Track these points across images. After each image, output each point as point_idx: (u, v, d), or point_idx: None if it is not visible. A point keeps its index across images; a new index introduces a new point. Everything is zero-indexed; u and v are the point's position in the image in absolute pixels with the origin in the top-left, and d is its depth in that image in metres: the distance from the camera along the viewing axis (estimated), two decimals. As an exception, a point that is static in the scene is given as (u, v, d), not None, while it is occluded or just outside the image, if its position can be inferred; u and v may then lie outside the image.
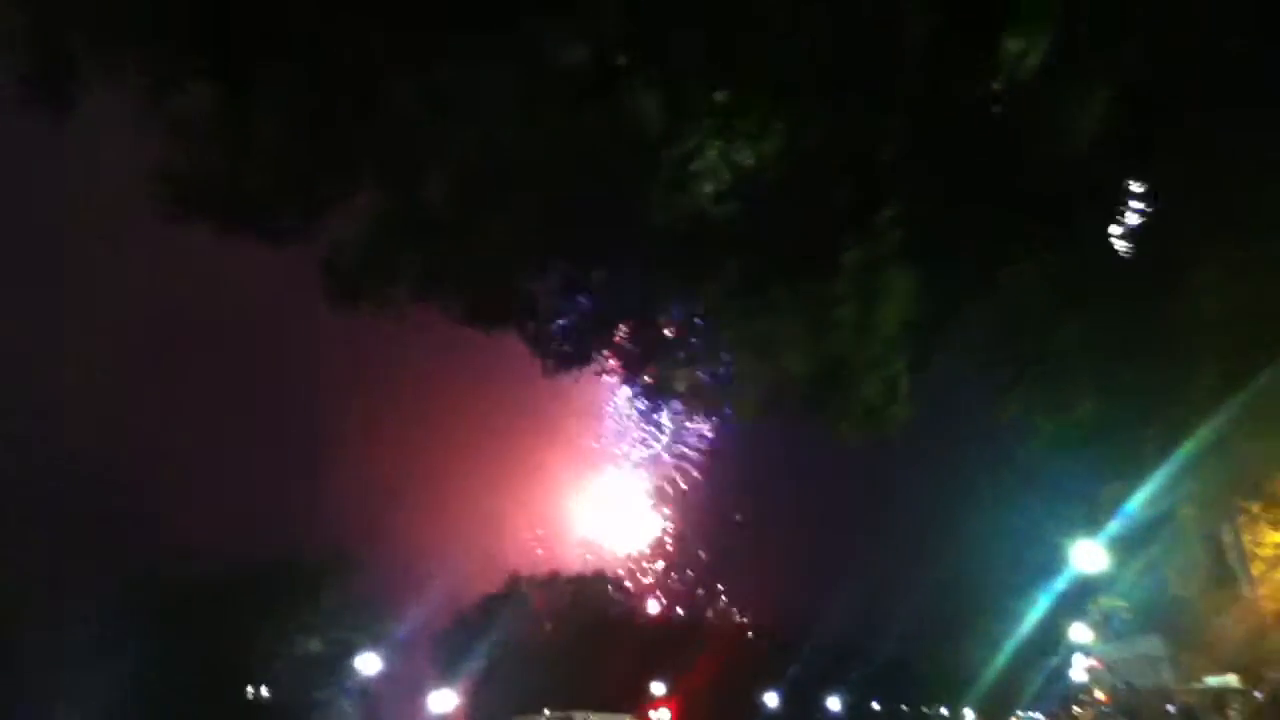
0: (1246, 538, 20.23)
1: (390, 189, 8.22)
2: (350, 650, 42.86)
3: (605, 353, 9.46)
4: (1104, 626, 34.45)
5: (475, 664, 53.50)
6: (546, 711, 27.54)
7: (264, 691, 41.64)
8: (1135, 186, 9.21)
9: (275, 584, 43.27)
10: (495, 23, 7.00)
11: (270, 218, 8.15)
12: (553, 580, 67.31)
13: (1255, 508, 19.05)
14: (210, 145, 7.72)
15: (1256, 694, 15.69)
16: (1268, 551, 20.39)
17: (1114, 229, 9.34)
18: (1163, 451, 11.38)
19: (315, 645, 43.25)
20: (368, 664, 41.43)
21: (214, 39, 7.09)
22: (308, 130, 7.69)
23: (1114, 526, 23.79)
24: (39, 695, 36.12)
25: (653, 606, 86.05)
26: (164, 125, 7.55)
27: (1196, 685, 20.14)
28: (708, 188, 7.94)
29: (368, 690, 44.19)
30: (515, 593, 64.73)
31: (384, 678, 44.76)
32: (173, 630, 39.35)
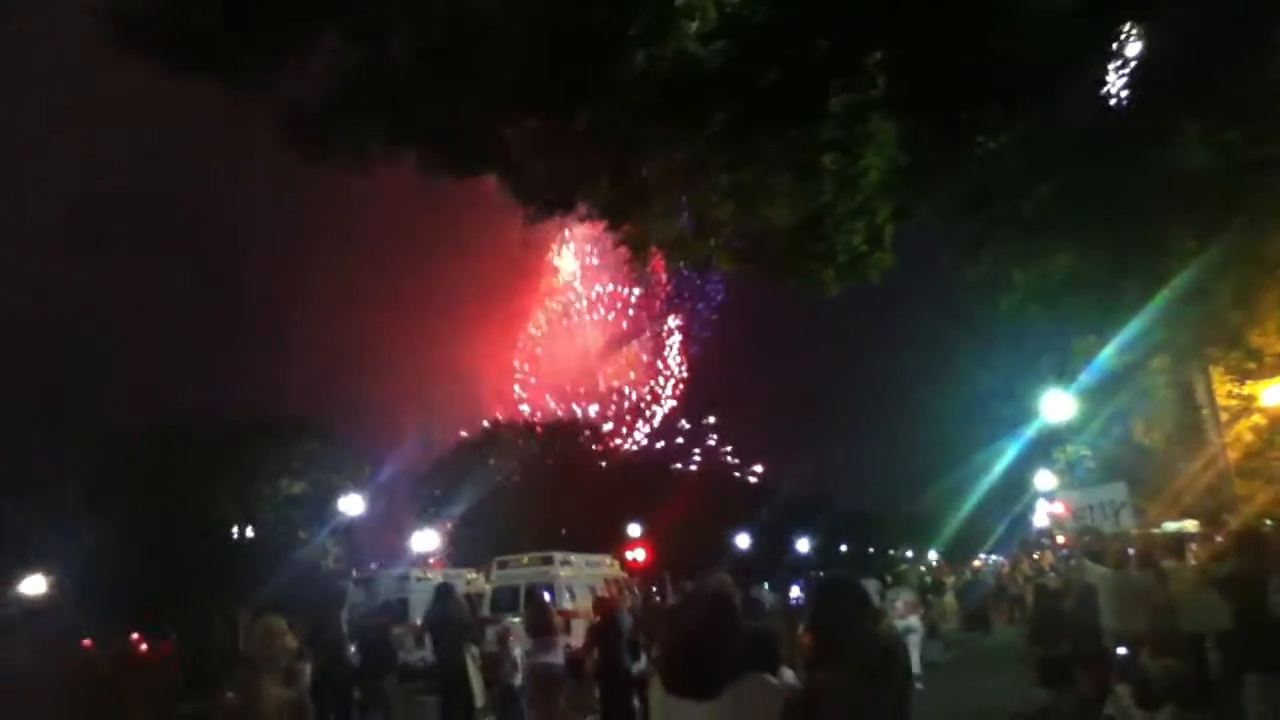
0: (1217, 388, 20.64)
1: (355, 39, 7.90)
2: (333, 492, 43.67)
3: (587, 201, 9.29)
4: (1068, 474, 35.42)
5: (455, 508, 54.78)
6: (525, 558, 28.21)
7: (249, 532, 42.60)
8: (1126, 35, 8.98)
9: (253, 436, 43.77)
10: None
11: (226, 63, 7.82)
12: (530, 426, 68.33)
13: (1229, 358, 19.37)
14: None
15: (1217, 538, 16.25)
16: (1235, 403, 20.86)
17: (1100, 84, 9.15)
18: (1137, 303, 11.44)
19: (298, 487, 44.06)
20: (351, 505, 42.24)
21: None
22: None
23: (1084, 378, 24.23)
24: (21, 558, 36.60)
25: (632, 447, 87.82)
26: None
27: (1155, 530, 20.87)
28: (693, 26, 7.67)
29: (351, 530, 45.27)
30: (493, 438, 65.81)
31: (366, 519, 45.80)
32: (152, 484, 39.85)
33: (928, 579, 40.05)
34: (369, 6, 7.47)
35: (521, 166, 8.86)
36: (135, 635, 41.91)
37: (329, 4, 7.48)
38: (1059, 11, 7.53)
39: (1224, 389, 21.63)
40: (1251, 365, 20.13)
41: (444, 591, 15.74)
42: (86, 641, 39.46)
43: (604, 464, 69.65)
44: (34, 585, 36.06)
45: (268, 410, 45.03)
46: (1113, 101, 9.20)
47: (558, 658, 16.52)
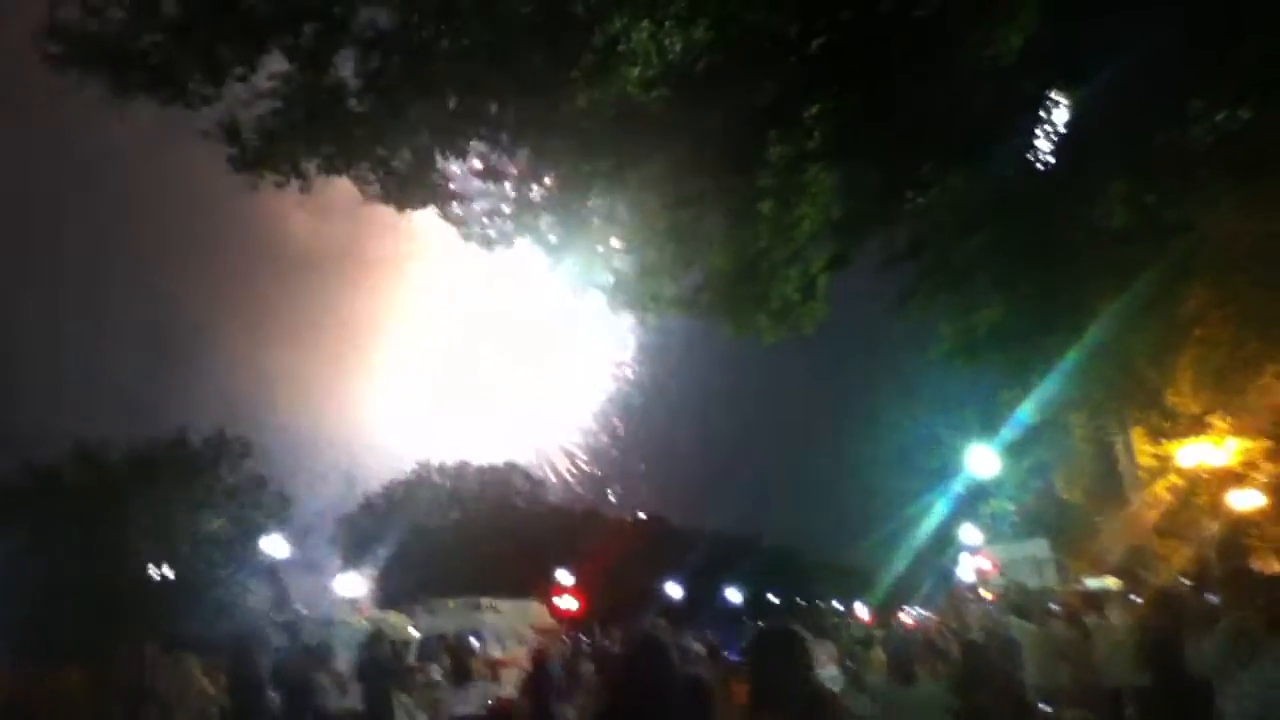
0: (1137, 447, 21.13)
1: (300, 64, 7.88)
2: (255, 530, 42.56)
3: (526, 238, 9.32)
4: (993, 528, 35.88)
5: (381, 549, 53.74)
6: (451, 602, 27.70)
7: (167, 571, 41.25)
8: (1055, 100, 9.30)
9: (166, 466, 42.46)
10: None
11: (167, 82, 7.75)
12: (461, 468, 67.44)
13: (1148, 418, 19.87)
14: (110, 5, 7.29)
15: (1133, 596, 16.54)
16: (1153, 463, 21.32)
17: (1030, 144, 9.45)
18: (1058, 359, 11.74)
19: (218, 523, 42.83)
20: (274, 546, 41.19)
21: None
22: (214, 4, 7.33)
23: (1006, 432, 24.66)
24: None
25: (557, 496, 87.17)
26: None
27: (1077, 587, 21.20)
28: (635, 72, 7.79)
29: (275, 570, 44.07)
30: (422, 479, 64.85)
31: (290, 559, 44.66)
32: (57, 520, 38.42)
33: (857, 632, 40.13)
34: (316, 31, 7.46)
35: (463, 200, 8.88)
36: (41, 671, 40.22)
37: (276, 27, 7.45)
38: (993, 70, 7.78)
39: (1142, 448, 22.15)
40: (1167, 425, 20.67)
41: (375, 637, 15.39)
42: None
43: (531, 507, 69.09)
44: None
45: (185, 438, 43.86)
46: (1039, 163, 9.50)
47: (476, 706, 16.21)
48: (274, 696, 17.05)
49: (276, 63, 7.78)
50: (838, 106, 7.87)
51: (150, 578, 40.63)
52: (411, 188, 8.72)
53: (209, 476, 43.41)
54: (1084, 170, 9.34)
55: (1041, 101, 9.08)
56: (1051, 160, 9.47)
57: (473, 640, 24.28)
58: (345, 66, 7.96)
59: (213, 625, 39.52)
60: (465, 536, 57.00)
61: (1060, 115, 9.38)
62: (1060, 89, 9.11)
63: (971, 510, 38.21)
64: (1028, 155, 9.39)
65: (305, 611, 29.75)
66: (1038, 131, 9.41)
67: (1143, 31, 8.36)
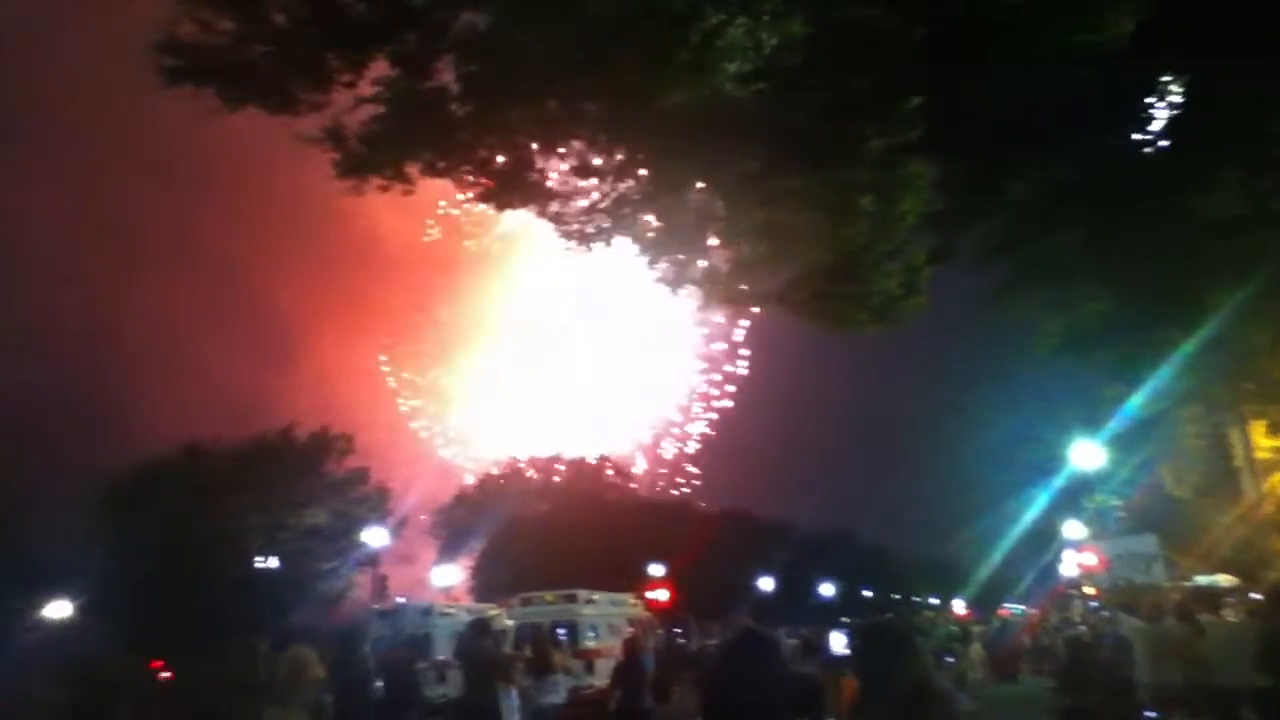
0: (1255, 441, 20.34)
1: (403, 70, 8.06)
2: (356, 523, 43.62)
3: (623, 235, 9.38)
4: (1098, 524, 34.92)
5: (475, 541, 54.58)
6: (548, 595, 27.95)
7: (272, 562, 42.46)
8: (1164, 85, 9.00)
9: (272, 463, 43.74)
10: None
11: (276, 91, 8.01)
12: (552, 461, 68.08)
13: (1267, 411, 19.11)
14: (221, 16, 7.55)
15: (1253, 595, 15.94)
16: (1270, 456, 20.52)
17: (1136, 132, 9.17)
18: (1169, 352, 11.36)
19: (321, 517, 43.98)
20: (374, 537, 42.17)
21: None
22: (319, 6, 7.52)
23: (1113, 425, 23.98)
24: (35, 584, 36.60)
25: (648, 489, 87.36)
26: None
27: (1187, 584, 20.52)
28: (731, 68, 7.74)
29: (376, 562, 45.09)
30: (515, 472, 65.67)
31: (388, 551, 45.67)
32: (176, 508, 39.84)
33: (953, 628, 39.51)
34: (418, 37, 7.62)
35: (559, 199, 8.97)
36: (157, 662, 41.85)
37: (379, 34, 7.63)
38: (1099, 55, 7.56)
39: (1260, 442, 21.35)
40: (1288, 418, 19.87)
41: (479, 626, 15.62)
42: (109, 667, 39.42)
43: (622, 499, 69.42)
44: (58, 609, 36.14)
45: (291, 435, 45.15)
46: (1146, 151, 9.20)
47: (559, 696, 16.43)
48: (378, 685, 17.50)
49: (379, 69, 7.98)
50: (937, 97, 7.73)
51: (258, 571, 41.89)
52: (510, 187, 8.86)
53: (313, 472, 44.61)
54: (1193, 158, 9.02)
55: (1149, 87, 8.80)
56: (1159, 148, 9.18)
57: (560, 633, 24.53)
58: (445, 71, 8.12)
59: (317, 616, 40.70)
60: (557, 529, 57.50)
61: (1168, 101, 9.09)
62: (1169, 74, 8.82)
63: (1074, 505, 37.21)
64: (1134, 143, 9.11)
65: (405, 602, 30.30)
66: (1145, 118, 9.13)
67: (1256, 12, 8.05)
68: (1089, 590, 33.16)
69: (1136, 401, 18.26)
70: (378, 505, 45.77)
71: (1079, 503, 36.38)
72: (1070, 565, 44.07)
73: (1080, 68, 7.64)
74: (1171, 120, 9.07)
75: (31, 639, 36.32)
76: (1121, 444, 26.07)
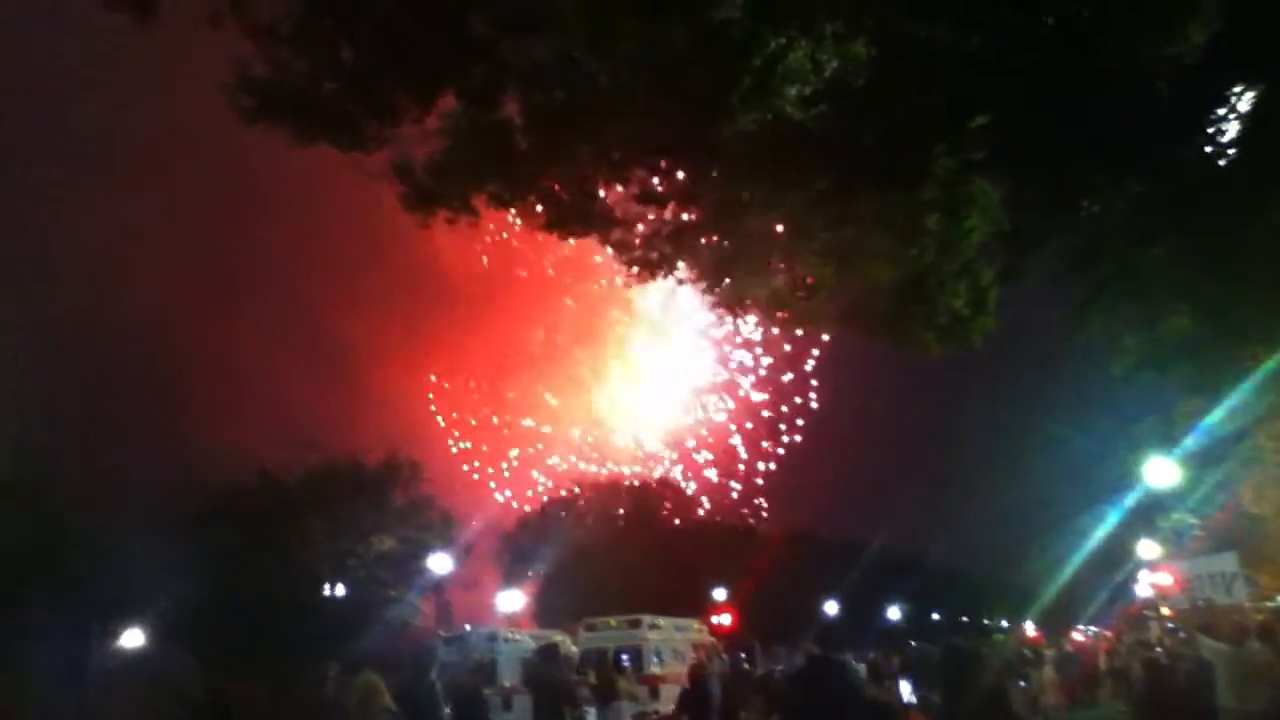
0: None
1: (470, 103, 8.18)
2: (422, 550, 44.02)
3: (685, 260, 9.39)
4: (1173, 543, 34.02)
5: (539, 566, 54.72)
6: (612, 620, 27.89)
7: (340, 589, 42.99)
8: (1240, 96, 8.80)
9: (339, 487, 44.33)
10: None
11: (346, 127, 8.18)
12: (614, 485, 68.17)
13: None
14: (292, 53, 7.73)
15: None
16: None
17: (1212, 144, 8.97)
18: (1252, 368, 11.06)
19: (388, 544, 44.45)
20: (440, 564, 42.52)
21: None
22: (388, 44, 7.66)
23: (1189, 442, 23.37)
24: (109, 612, 37.21)
25: (709, 511, 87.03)
26: (245, 31, 7.58)
27: (1270, 604, 19.90)
28: (793, 91, 7.72)
29: (442, 588, 45.42)
30: (578, 496, 65.78)
31: (453, 577, 46.00)
32: (240, 537, 40.46)
33: (1025, 651, 38.66)
34: (485, 70, 7.72)
35: (623, 225, 9.02)
36: (227, 687, 42.38)
37: (447, 69, 7.75)
38: (1172, 69, 7.42)
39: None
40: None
41: (549, 652, 15.64)
42: (182, 693, 40.03)
43: (684, 523, 69.19)
44: (133, 638, 36.86)
45: (360, 462, 45.76)
46: (1223, 164, 9.00)
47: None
48: (446, 711, 17.60)
49: (447, 103, 8.11)
50: (1005, 114, 7.64)
51: (327, 598, 42.42)
52: (574, 216, 8.92)
53: (381, 498, 45.13)
54: (1268, 169, 8.79)
55: (1224, 99, 8.61)
56: (1236, 160, 8.97)
57: (624, 659, 24.43)
58: (511, 102, 8.22)
59: (384, 641, 41.02)
60: (621, 553, 57.46)
61: (1244, 112, 8.88)
62: (1245, 84, 8.62)
63: (1148, 524, 36.29)
64: (1210, 156, 8.92)
65: (470, 628, 30.47)
66: (1216, 130, 8.93)
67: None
68: (1165, 611, 32.27)
69: (1215, 418, 17.80)
70: (443, 532, 46.13)
71: (1153, 521, 35.50)
72: (1145, 585, 42.94)
73: (1153, 80, 7.51)
74: (1242, 132, 8.87)
75: (111, 664, 37.05)
76: (1198, 461, 25.39)
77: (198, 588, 38.78)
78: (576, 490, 66.81)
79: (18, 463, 33.68)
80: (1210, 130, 8.73)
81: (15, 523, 32.10)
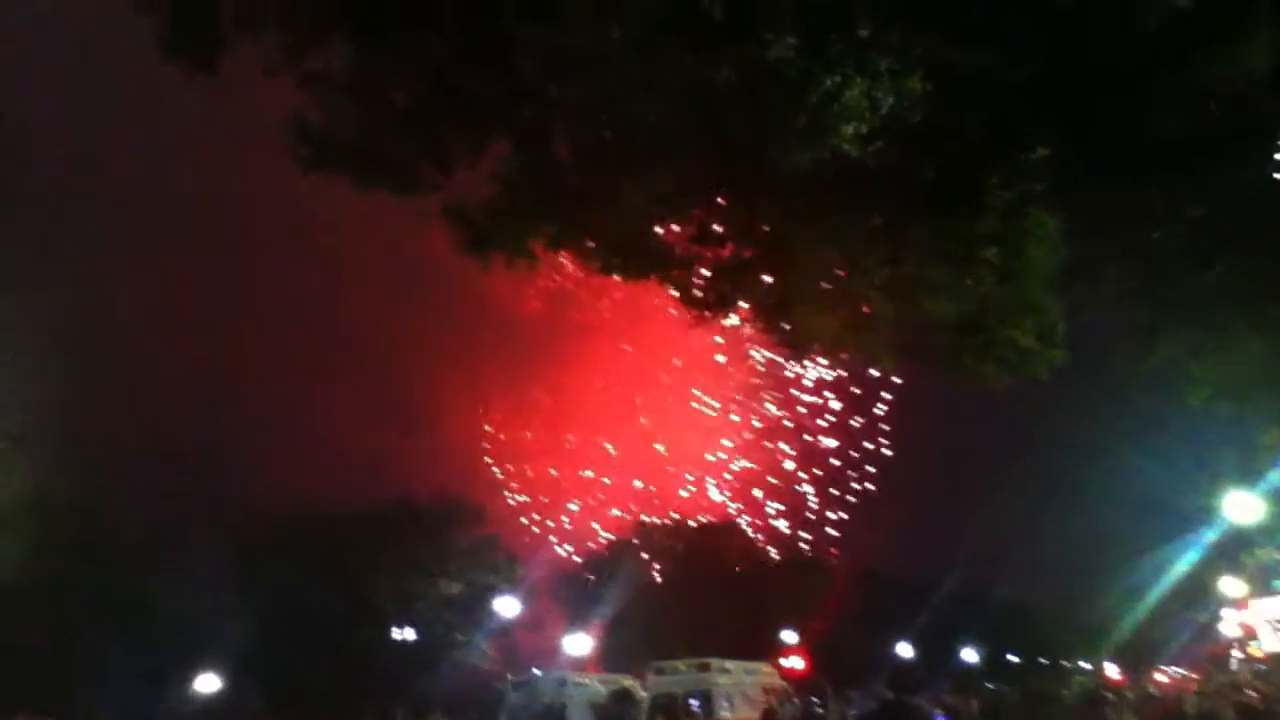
0: None
1: (520, 145, 8.29)
2: (488, 592, 44.14)
3: (744, 298, 9.38)
4: (1259, 580, 32.86)
5: (605, 608, 54.50)
6: (681, 664, 27.63)
7: (409, 633, 43.20)
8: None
9: (403, 529, 44.60)
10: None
11: (401, 172, 8.33)
12: (680, 525, 67.82)
13: None
14: (346, 101, 7.91)
15: None
16: None
17: (1269, 165, 8.75)
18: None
19: (456, 588, 44.61)
20: (506, 607, 42.59)
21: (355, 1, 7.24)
22: (440, 92, 7.80)
23: (1274, 475, 22.59)
24: (178, 653, 37.64)
25: (775, 552, 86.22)
26: (301, 81, 7.78)
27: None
28: (850, 129, 7.71)
29: (508, 631, 45.48)
30: (643, 537, 65.50)
31: (518, 619, 46.02)
32: (305, 575, 40.80)
33: (1107, 694, 37.50)
34: (534, 108, 7.82)
35: (682, 268, 9.03)
36: None
37: (497, 111, 7.87)
38: (1234, 90, 7.28)
39: None
40: None
41: (621, 697, 15.60)
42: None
43: (752, 565, 68.53)
44: (208, 683, 37.36)
45: (420, 503, 46.06)
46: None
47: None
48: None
49: (499, 148, 8.22)
50: (1063, 143, 7.55)
51: (395, 640, 42.61)
52: (631, 257, 8.96)
53: (444, 539, 45.34)
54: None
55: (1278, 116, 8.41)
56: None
57: (693, 703, 24.15)
58: (563, 144, 8.32)
59: (451, 684, 41.07)
60: (688, 595, 57.03)
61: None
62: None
63: (1231, 560, 35.12)
64: (1271, 176, 8.70)
65: (538, 672, 30.39)
66: (1276, 148, 8.71)
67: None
68: (1256, 652, 31.16)
69: (1302, 449, 17.20)
70: (508, 574, 46.19)
71: (1237, 558, 34.36)
72: (1231, 624, 41.47)
73: (1214, 102, 7.38)
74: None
75: (185, 709, 37.50)
76: (1284, 496, 24.54)
77: (264, 629, 39.21)
78: (642, 531, 66.58)
79: (88, 504, 34.39)
80: (1270, 150, 8.52)
81: (85, 561, 32.72)
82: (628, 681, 28.67)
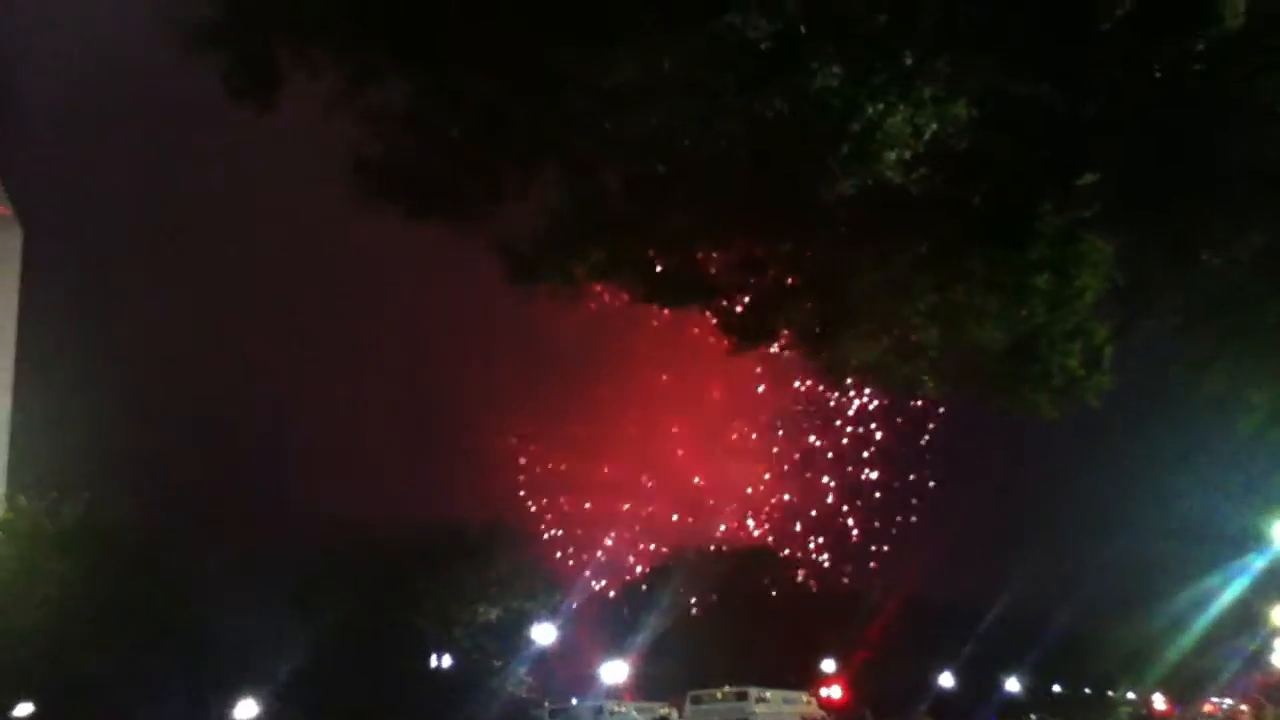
0: None
1: (570, 179, 8.34)
2: (526, 619, 44.08)
3: (788, 327, 9.34)
4: (1312, 608, 32.18)
5: (642, 635, 54.23)
6: (719, 693, 27.49)
7: (446, 660, 43.22)
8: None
9: (444, 554, 44.72)
10: (676, 11, 6.93)
11: (455, 203, 8.42)
12: (718, 553, 67.46)
13: None
14: (402, 135, 8.02)
15: None
16: None
17: None
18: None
19: (495, 613, 44.61)
20: (544, 634, 42.52)
21: (409, 38, 7.35)
22: (493, 124, 7.89)
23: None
24: (225, 680, 37.92)
25: (817, 584, 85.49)
26: (358, 116, 7.90)
27: None
28: (893, 156, 7.68)
29: (545, 658, 45.36)
30: (681, 564, 65.17)
31: (557, 645, 45.93)
32: (347, 602, 40.95)
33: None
34: (584, 140, 7.88)
35: (725, 296, 9.03)
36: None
37: (550, 143, 7.94)
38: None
39: None
40: None
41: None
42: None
43: (791, 593, 67.99)
44: (246, 709, 37.55)
45: (464, 529, 46.21)
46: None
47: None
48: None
49: (549, 176, 8.29)
50: (1116, 170, 7.46)
51: (435, 668, 42.64)
52: (676, 286, 8.97)
53: (485, 562, 45.36)
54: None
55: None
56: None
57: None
58: (611, 176, 8.36)
59: (490, 712, 40.97)
60: (725, 622, 56.67)
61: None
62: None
63: (1281, 588, 34.43)
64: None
65: (575, 701, 30.31)
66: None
67: None
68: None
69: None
70: (546, 600, 46.11)
71: (1288, 586, 33.68)
72: (1281, 654, 40.54)
73: (1272, 126, 7.27)
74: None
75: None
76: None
77: (308, 652, 39.39)
78: (680, 560, 66.26)
79: (148, 531, 34.85)
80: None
81: (144, 587, 33.13)
82: (663, 710, 28.53)
